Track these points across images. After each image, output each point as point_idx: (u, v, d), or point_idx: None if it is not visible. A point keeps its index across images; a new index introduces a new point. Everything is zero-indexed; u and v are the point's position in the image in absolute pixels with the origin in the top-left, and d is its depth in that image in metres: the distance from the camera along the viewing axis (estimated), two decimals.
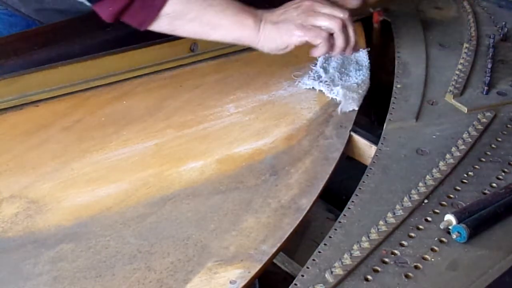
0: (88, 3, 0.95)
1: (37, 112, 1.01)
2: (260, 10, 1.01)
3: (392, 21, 1.27)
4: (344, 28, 1.00)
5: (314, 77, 1.09)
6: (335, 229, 0.77)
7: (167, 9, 0.96)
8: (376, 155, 0.90)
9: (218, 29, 0.99)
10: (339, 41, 1.00)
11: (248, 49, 1.18)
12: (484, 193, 0.83)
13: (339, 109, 1.02)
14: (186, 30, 1.00)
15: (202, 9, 0.98)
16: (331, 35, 1.00)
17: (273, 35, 1.00)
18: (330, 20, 1.00)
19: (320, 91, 1.07)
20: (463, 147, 0.91)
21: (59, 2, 0.96)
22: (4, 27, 1.21)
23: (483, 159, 0.90)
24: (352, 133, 0.98)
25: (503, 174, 0.87)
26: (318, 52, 1.01)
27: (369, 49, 1.15)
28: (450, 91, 1.03)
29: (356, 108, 1.02)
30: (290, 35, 0.99)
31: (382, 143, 0.93)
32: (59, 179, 0.88)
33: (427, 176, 0.85)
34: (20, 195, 0.85)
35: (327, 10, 1.01)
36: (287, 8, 1.02)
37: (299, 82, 1.09)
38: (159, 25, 0.98)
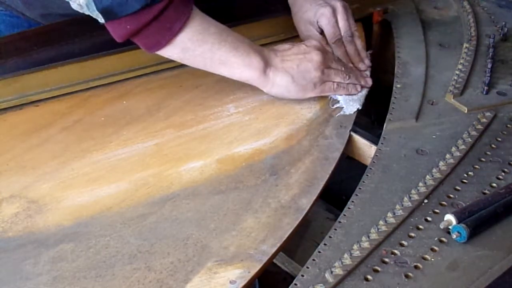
0: (101, 21, 0.91)
1: (37, 112, 1.01)
2: (267, 50, 1.02)
3: (392, 21, 1.27)
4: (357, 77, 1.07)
5: None
6: (335, 229, 0.77)
7: (183, 36, 0.95)
8: (376, 155, 0.90)
9: (227, 66, 0.99)
10: (353, 89, 1.06)
11: None
12: (484, 193, 0.83)
13: (342, 113, 1.02)
14: (196, 61, 0.99)
15: (217, 43, 0.97)
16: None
17: (286, 85, 1.01)
18: (343, 75, 1.05)
19: None
20: (463, 147, 0.91)
21: (64, 6, 0.95)
22: (6, 28, 1.21)
23: (483, 159, 0.90)
24: (352, 133, 0.98)
25: (503, 174, 0.87)
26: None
27: (371, 51, 1.16)
28: (450, 91, 1.03)
29: (360, 107, 1.03)
30: (305, 93, 1.03)
31: (382, 143, 0.93)
32: (59, 179, 0.88)
33: (427, 176, 0.85)
34: (20, 195, 0.85)
35: (339, 65, 1.05)
36: (297, 55, 1.02)
37: None
38: (170, 51, 0.96)
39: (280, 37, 1.20)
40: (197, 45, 0.96)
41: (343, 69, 1.05)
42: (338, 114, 1.01)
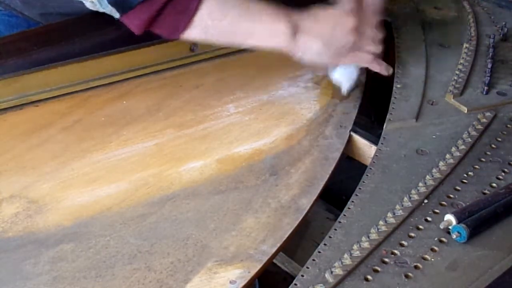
0: (116, 16, 0.89)
1: (37, 112, 1.01)
2: (296, 14, 0.97)
3: (392, 21, 1.27)
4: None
5: None
6: (335, 229, 0.77)
7: (201, 14, 0.91)
8: (376, 155, 0.90)
9: (253, 38, 0.95)
10: (379, 65, 1.03)
11: (248, 49, 1.18)
12: (484, 193, 0.83)
13: (343, 90, 1.02)
14: (220, 38, 0.96)
15: (237, 16, 0.93)
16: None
17: (318, 50, 0.97)
18: (376, 45, 1.01)
19: (320, 92, 1.07)
20: (463, 147, 0.91)
21: (63, 5, 0.94)
22: (5, 28, 1.21)
23: (483, 159, 0.90)
24: (352, 133, 0.98)
25: (503, 174, 0.87)
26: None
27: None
28: (450, 91, 1.03)
29: (354, 83, 1.03)
30: (338, 58, 0.99)
31: (382, 143, 0.93)
32: (59, 179, 0.88)
33: (427, 176, 0.85)
34: (20, 195, 0.85)
35: (371, 32, 1.00)
36: (329, 18, 0.97)
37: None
38: (193, 32, 0.93)
39: None
40: (217, 21, 0.92)
41: (378, 37, 1.01)
42: (335, 110, 1.01)
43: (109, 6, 0.87)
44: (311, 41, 0.97)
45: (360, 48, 1.00)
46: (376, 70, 1.03)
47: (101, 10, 0.89)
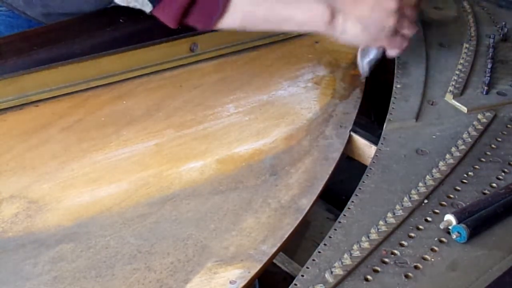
0: (148, 9, 0.87)
1: (37, 112, 1.01)
2: None
3: None
4: None
5: None
6: (335, 229, 0.77)
7: (237, 0, 0.88)
8: (376, 155, 0.90)
9: (291, 22, 0.93)
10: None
11: (248, 49, 1.19)
12: (484, 193, 0.83)
13: (363, 72, 1.02)
14: (258, 24, 0.93)
15: (274, 1, 0.91)
16: None
17: (356, 32, 0.95)
18: (413, 29, 0.98)
19: (320, 92, 1.07)
20: (463, 147, 0.91)
21: (65, 5, 0.94)
22: (5, 28, 1.21)
23: (483, 159, 0.90)
24: (352, 133, 0.98)
25: (503, 174, 0.87)
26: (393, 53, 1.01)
27: None
28: (450, 91, 1.03)
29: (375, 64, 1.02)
30: (376, 41, 0.97)
31: (382, 143, 0.93)
32: (59, 179, 0.88)
33: (427, 176, 0.85)
34: (20, 195, 0.84)
35: (411, 14, 0.98)
36: (368, 0, 0.94)
37: None
38: (229, 21, 0.90)
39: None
40: (254, 6, 0.90)
41: (415, 19, 0.98)
42: (335, 110, 1.01)
43: None
44: (350, 24, 0.94)
45: (397, 32, 0.97)
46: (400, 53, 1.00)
47: (131, 4, 0.87)
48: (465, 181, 0.85)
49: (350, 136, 0.97)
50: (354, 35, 0.96)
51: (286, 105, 1.04)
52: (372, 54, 1.02)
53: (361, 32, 0.95)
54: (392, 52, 1.02)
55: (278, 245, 0.77)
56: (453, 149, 0.90)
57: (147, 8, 0.87)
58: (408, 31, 0.99)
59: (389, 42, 0.99)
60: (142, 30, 1.09)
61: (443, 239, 0.76)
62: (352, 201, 0.82)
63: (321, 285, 0.69)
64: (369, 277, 0.71)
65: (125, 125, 0.98)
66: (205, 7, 0.88)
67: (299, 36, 1.22)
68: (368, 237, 0.75)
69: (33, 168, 0.89)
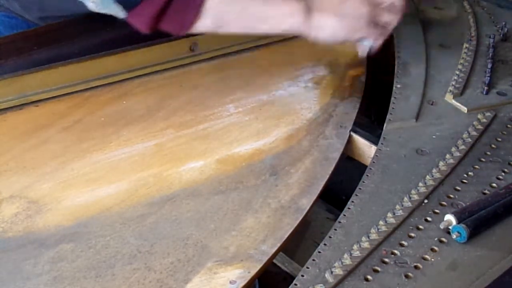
0: (122, 16, 0.86)
1: (37, 112, 1.01)
2: None
3: None
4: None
5: None
6: (335, 229, 0.77)
7: (211, 2, 0.88)
8: (376, 155, 0.90)
9: (267, 22, 0.93)
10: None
11: (248, 49, 1.19)
12: (484, 193, 0.83)
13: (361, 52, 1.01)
14: (232, 27, 0.93)
15: (248, 1, 0.90)
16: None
17: (332, 27, 0.94)
18: (394, 16, 0.96)
19: (320, 92, 1.07)
20: (463, 147, 0.91)
21: (62, 9, 0.94)
22: (5, 29, 1.21)
23: (483, 159, 0.90)
24: (352, 133, 0.98)
25: (503, 174, 0.87)
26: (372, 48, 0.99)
27: None
28: (450, 91, 1.03)
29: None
30: (354, 32, 0.95)
31: (382, 143, 0.93)
32: (59, 179, 0.88)
33: (427, 176, 0.85)
34: (20, 195, 0.85)
35: (389, 1, 0.96)
36: None
37: None
38: (203, 24, 0.90)
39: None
40: (228, 7, 0.90)
41: (397, 4, 0.96)
42: (335, 110, 1.01)
43: (113, 4, 0.85)
44: (325, 18, 0.94)
45: (378, 20, 0.96)
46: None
47: (103, 11, 0.87)
48: (465, 181, 0.85)
49: (350, 136, 0.97)
50: (331, 30, 0.95)
51: (286, 105, 1.04)
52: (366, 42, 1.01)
53: (337, 25, 0.94)
54: (375, 44, 1.00)
55: (278, 245, 0.77)
56: (453, 149, 0.90)
57: (121, 14, 0.87)
58: (389, 17, 0.97)
59: (369, 32, 0.97)
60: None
61: (443, 239, 0.76)
62: (352, 201, 0.82)
63: (321, 285, 0.69)
64: (369, 277, 0.71)
65: (125, 125, 0.98)
66: (179, 10, 0.88)
67: (299, 36, 1.22)
68: (368, 237, 0.75)
69: (33, 168, 0.89)
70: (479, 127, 0.96)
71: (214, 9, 0.90)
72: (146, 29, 0.89)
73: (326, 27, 0.95)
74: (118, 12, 0.87)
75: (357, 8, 0.94)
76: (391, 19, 0.98)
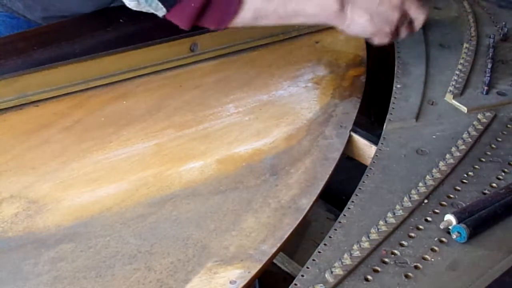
0: (162, 13, 0.87)
1: (37, 112, 1.01)
2: None
3: None
4: None
5: None
6: (335, 229, 0.77)
7: None
8: (376, 155, 0.90)
9: (303, 15, 0.95)
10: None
11: (248, 49, 1.19)
12: (484, 193, 0.83)
13: None
14: (270, 20, 0.94)
15: None
16: None
17: (364, 25, 0.97)
18: (415, 26, 1.02)
19: (320, 92, 1.07)
20: (463, 147, 0.91)
21: (65, 9, 0.94)
22: (5, 29, 1.21)
23: (483, 159, 0.90)
24: (352, 133, 0.98)
25: (503, 174, 0.87)
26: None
27: None
28: (450, 91, 1.03)
29: None
30: (381, 34, 0.99)
31: (382, 143, 0.93)
32: (59, 179, 0.88)
33: (427, 176, 0.85)
34: (20, 195, 0.84)
35: (416, 7, 1.00)
36: None
37: None
38: (242, 19, 0.91)
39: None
40: (267, 2, 0.91)
41: (422, 13, 1.01)
42: (335, 110, 1.01)
43: (155, 1, 0.85)
44: (359, 14, 0.97)
45: (402, 24, 1.00)
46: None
47: (144, 9, 0.87)
48: (465, 181, 0.85)
49: (350, 136, 0.97)
50: (361, 26, 0.98)
51: (286, 105, 1.04)
52: None
53: (367, 23, 0.97)
54: (382, 41, 1.04)
55: (278, 245, 0.77)
56: (453, 149, 0.90)
57: (161, 12, 0.88)
58: (411, 28, 1.02)
59: (389, 36, 1.01)
60: (142, 30, 1.10)
61: (443, 239, 0.76)
62: (352, 201, 0.82)
63: (321, 285, 0.69)
64: (369, 277, 0.71)
65: (125, 125, 0.98)
66: (220, 7, 0.89)
67: (299, 36, 1.22)
68: (368, 237, 0.75)
69: (33, 168, 0.89)
70: (479, 127, 0.96)
71: (254, 3, 0.91)
72: (187, 26, 0.90)
73: (358, 24, 0.98)
74: (159, 9, 0.87)
75: (390, 12, 0.98)
76: (411, 29, 1.03)
